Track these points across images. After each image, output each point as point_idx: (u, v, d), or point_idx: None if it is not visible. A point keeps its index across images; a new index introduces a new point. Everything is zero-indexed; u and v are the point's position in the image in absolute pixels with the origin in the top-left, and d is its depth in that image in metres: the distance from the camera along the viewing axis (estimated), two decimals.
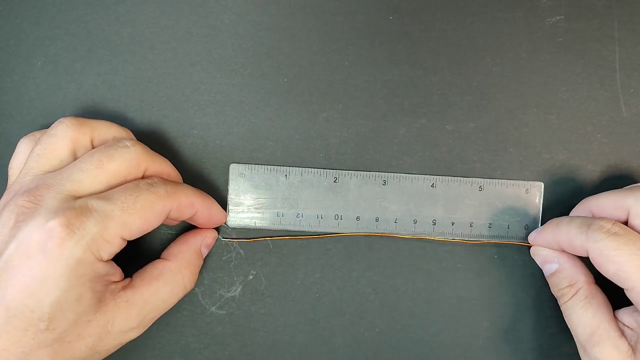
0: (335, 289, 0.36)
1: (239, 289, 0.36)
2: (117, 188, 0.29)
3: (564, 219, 0.33)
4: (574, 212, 0.34)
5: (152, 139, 0.36)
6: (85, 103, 0.36)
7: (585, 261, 0.32)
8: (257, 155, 0.36)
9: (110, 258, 0.29)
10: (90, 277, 0.28)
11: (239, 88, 0.36)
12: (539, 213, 0.36)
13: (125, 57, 0.36)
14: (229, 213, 0.35)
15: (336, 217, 0.36)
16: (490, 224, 0.36)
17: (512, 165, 0.36)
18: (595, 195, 0.33)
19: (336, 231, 0.36)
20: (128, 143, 0.31)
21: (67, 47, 0.36)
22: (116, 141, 0.31)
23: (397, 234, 0.36)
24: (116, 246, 0.29)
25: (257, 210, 0.36)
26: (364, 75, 0.36)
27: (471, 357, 0.36)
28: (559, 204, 0.36)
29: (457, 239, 0.36)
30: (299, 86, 0.36)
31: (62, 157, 0.30)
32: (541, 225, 0.35)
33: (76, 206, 0.28)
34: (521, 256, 0.36)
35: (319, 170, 0.36)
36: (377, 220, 0.36)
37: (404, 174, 0.36)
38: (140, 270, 0.32)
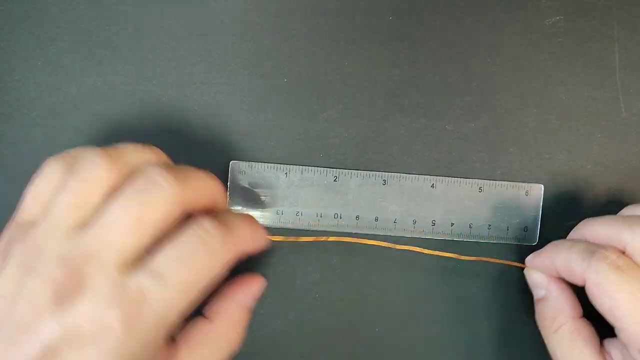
0: (335, 289, 0.36)
1: None
2: (169, 253, 0.25)
3: (565, 242, 0.31)
4: (570, 237, 0.33)
5: (152, 139, 0.36)
6: (85, 103, 0.36)
7: (577, 292, 0.32)
8: (257, 155, 0.36)
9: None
10: None
11: (239, 88, 0.36)
12: (538, 215, 0.36)
13: (125, 57, 0.36)
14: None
15: (336, 216, 0.36)
16: (490, 225, 0.36)
17: (512, 165, 0.36)
18: (591, 221, 0.31)
19: (336, 230, 0.36)
20: (162, 181, 0.26)
21: (67, 47, 0.36)
22: (148, 180, 0.26)
23: (396, 234, 0.36)
24: (174, 326, 0.25)
25: (257, 208, 0.36)
26: (364, 75, 0.36)
27: (471, 357, 0.36)
28: (559, 205, 0.36)
29: (457, 239, 0.36)
30: (299, 86, 0.36)
31: (95, 206, 0.25)
32: (540, 226, 0.35)
33: (130, 295, 0.24)
34: (521, 256, 0.36)
35: (319, 168, 0.36)
36: (376, 219, 0.36)
37: (404, 174, 0.36)
38: (184, 334, 0.28)
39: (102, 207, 0.25)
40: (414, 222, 0.36)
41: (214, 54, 0.36)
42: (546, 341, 0.31)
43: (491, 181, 0.36)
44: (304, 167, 0.36)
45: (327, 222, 0.36)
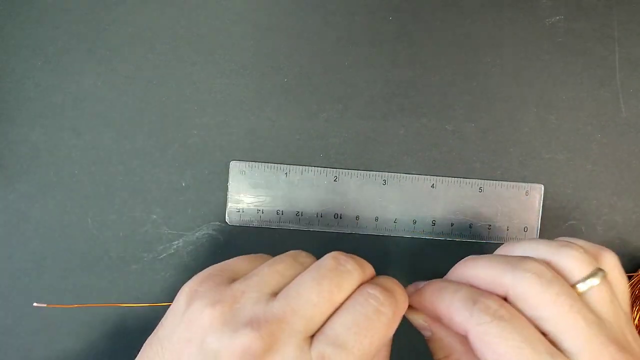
0: None
1: None
2: (345, 320, 0.26)
3: (448, 286, 0.29)
4: (450, 275, 0.31)
5: (153, 139, 0.36)
6: (85, 103, 0.36)
7: None
8: (257, 155, 0.36)
9: None
10: None
11: (239, 88, 0.36)
12: (538, 215, 0.36)
13: (125, 57, 0.36)
14: (229, 210, 0.36)
15: (336, 216, 0.36)
16: (490, 225, 0.36)
17: (512, 165, 0.36)
18: (473, 262, 0.30)
19: (336, 230, 0.36)
20: (349, 265, 0.28)
21: (67, 47, 0.36)
22: (337, 263, 0.28)
23: (396, 234, 0.36)
24: None
25: (257, 208, 0.36)
26: (364, 75, 0.36)
27: None
28: (559, 205, 0.36)
29: (457, 239, 0.36)
30: (299, 86, 0.36)
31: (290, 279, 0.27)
32: (540, 227, 0.35)
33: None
34: None
35: (319, 169, 0.36)
36: (376, 219, 0.36)
37: (404, 174, 0.36)
38: None
39: (297, 279, 0.27)
40: (414, 222, 0.36)
41: (214, 54, 0.36)
42: None
43: (491, 181, 0.36)
44: (304, 167, 0.36)
45: (327, 222, 0.36)
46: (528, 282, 0.26)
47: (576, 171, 0.36)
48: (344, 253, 0.28)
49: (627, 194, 0.37)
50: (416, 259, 0.36)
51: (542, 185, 0.36)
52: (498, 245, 0.36)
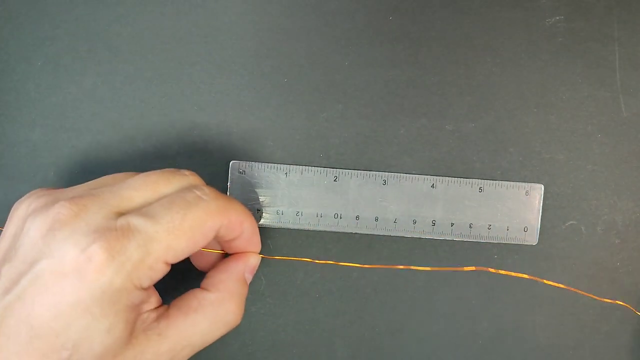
0: (335, 289, 0.36)
1: None
2: (162, 201, 0.27)
3: None
4: None
5: (153, 139, 0.36)
6: (85, 103, 0.36)
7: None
8: (257, 155, 0.36)
9: (152, 285, 0.26)
10: (125, 306, 0.25)
11: (239, 88, 0.36)
12: (538, 215, 0.36)
13: (125, 57, 0.36)
14: None
15: (336, 215, 0.36)
16: (490, 225, 0.36)
17: (512, 165, 0.36)
18: None
19: (336, 230, 0.36)
20: (184, 171, 0.29)
21: (67, 47, 0.36)
22: (176, 169, 0.29)
23: (396, 234, 0.36)
24: (159, 272, 0.26)
25: (257, 208, 0.36)
26: (364, 75, 0.36)
27: (471, 357, 0.36)
28: (559, 205, 0.36)
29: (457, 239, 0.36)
30: (299, 86, 0.36)
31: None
32: (540, 226, 0.35)
33: (118, 227, 0.25)
34: (521, 256, 0.36)
35: (320, 168, 0.36)
36: (376, 219, 0.36)
37: (404, 174, 0.36)
38: (177, 299, 0.28)
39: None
40: (414, 222, 0.36)
41: (214, 54, 0.36)
42: None
43: (491, 181, 0.36)
44: (304, 167, 0.36)
45: (327, 222, 0.36)
46: None
47: (576, 171, 0.36)
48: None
49: (627, 194, 0.37)
50: (416, 259, 0.36)
51: (542, 185, 0.36)
52: (498, 245, 0.36)
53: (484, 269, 0.35)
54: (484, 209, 0.36)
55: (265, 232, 0.36)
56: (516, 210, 0.36)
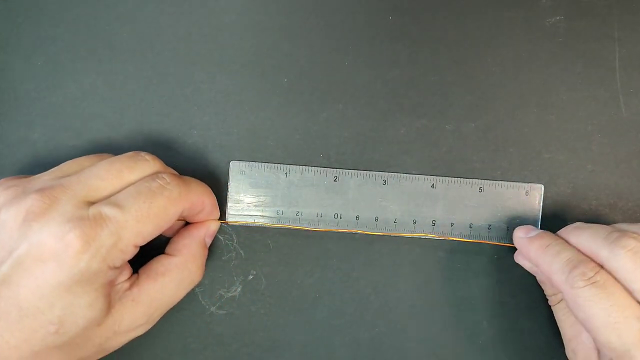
0: (335, 289, 0.36)
1: (239, 289, 0.36)
2: (129, 190, 0.29)
3: (554, 244, 0.32)
4: (561, 233, 0.33)
5: (152, 139, 0.36)
6: (85, 103, 0.36)
7: None
8: (257, 155, 0.36)
9: (123, 264, 0.29)
10: (102, 284, 0.28)
11: (239, 88, 0.36)
12: (538, 215, 0.36)
13: (125, 57, 0.36)
14: (229, 210, 0.36)
15: (336, 215, 0.36)
16: (490, 225, 0.36)
17: (512, 165, 0.36)
18: (578, 230, 0.32)
19: (336, 230, 0.36)
20: (146, 156, 0.31)
21: (67, 47, 0.36)
22: (136, 153, 0.31)
23: (396, 234, 0.36)
24: (129, 254, 0.29)
25: (257, 208, 0.36)
26: (364, 75, 0.36)
27: (471, 357, 0.36)
28: (559, 205, 0.36)
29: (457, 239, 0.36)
30: (299, 86, 0.36)
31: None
32: (540, 226, 0.35)
33: (90, 216, 0.27)
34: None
35: (320, 168, 0.36)
36: (376, 219, 0.36)
37: (404, 174, 0.36)
38: (145, 267, 0.31)
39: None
40: (414, 222, 0.36)
41: (214, 54, 0.36)
42: (552, 308, 0.34)
43: (491, 181, 0.36)
44: (304, 167, 0.36)
45: (327, 222, 0.36)
46: (623, 259, 0.28)
47: (576, 171, 0.36)
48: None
49: (627, 194, 0.36)
50: (416, 259, 0.36)
51: (542, 185, 0.36)
52: (498, 245, 0.36)
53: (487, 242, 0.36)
54: (483, 209, 0.36)
55: (265, 232, 0.36)
56: (516, 210, 0.36)
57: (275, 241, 0.36)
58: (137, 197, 0.29)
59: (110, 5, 0.36)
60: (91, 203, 0.28)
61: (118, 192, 0.29)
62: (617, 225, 0.32)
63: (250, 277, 0.36)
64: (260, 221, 0.36)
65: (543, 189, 0.36)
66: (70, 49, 0.36)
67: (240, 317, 0.36)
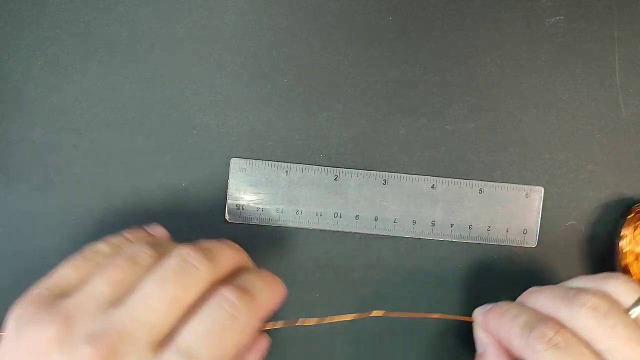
0: (335, 289, 0.36)
1: None
2: (196, 329, 0.25)
3: (511, 309, 0.30)
4: (518, 299, 0.32)
5: (152, 139, 0.36)
6: (85, 103, 0.36)
7: None
8: (257, 155, 0.36)
9: None
10: None
11: (239, 88, 0.36)
12: (538, 217, 0.36)
13: (125, 57, 0.36)
14: (228, 208, 0.36)
15: (335, 215, 0.36)
16: (490, 227, 0.36)
17: (512, 165, 0.36)
18: (535, 293, 0.31)
19: (335, 229, 0.36)
20: (196, 262, 0.26)
21: (67, 47, 0.36)
22: (182, 260, 0.26)
23: (396, 234, 0.36)
24: None
25: (257, 206, 0.36)
26: (364, 75, 0.36)
27: (471, 357, 0.36)
28: (559, 207, 0.36)
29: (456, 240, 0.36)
30: (299, 86, 0.36)
31: (132, 285, 0.26)
32: (539, 228, 0.35)
33: None
34: (520, 257, 0.36)
35: (320, 167, 0.36)
36: (376, 219, 0.36)
37: (404, 174, 0.36)
38: None
39: (137, 285, 0.25)
40: (414, 222, 0.36)
41: (214, 54, 0.36)
42: None
43: (491, 183, 0.36)
44: (305, 165, 0.36)
45: (326, 221, 0.36)
46: (584, 317, 0.27)
47: (576, 171, 0.36)
48: (195, 247, 0.27)
49: (627, 194, 0.37)
50: (416, 259, 0.36)
51: (542, 188, 0.36)
52: (498, 246, 0.36)
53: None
54: (483, 210, 0.36)
55: (265, 231, 0.36)
56: (516, 212, 0.36)
57: (275, 240, 0.36)
58: (208, 339, 0.25)
59: (110, 6, 0.36)
60: (155, 347, 0.24)
61: (177, 316, 0.25)
62: (571, 281, 0.31)
63: None
64: (259, 219, 0.36)
65: (543, 191, 0.36)
66: (70, 50, 0.36)
67: None
